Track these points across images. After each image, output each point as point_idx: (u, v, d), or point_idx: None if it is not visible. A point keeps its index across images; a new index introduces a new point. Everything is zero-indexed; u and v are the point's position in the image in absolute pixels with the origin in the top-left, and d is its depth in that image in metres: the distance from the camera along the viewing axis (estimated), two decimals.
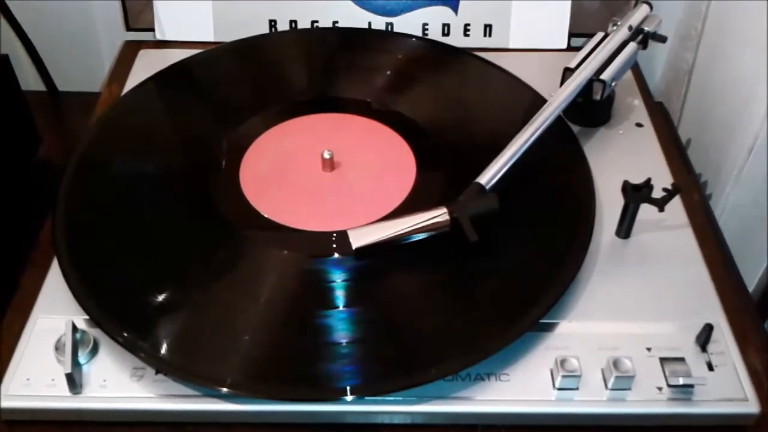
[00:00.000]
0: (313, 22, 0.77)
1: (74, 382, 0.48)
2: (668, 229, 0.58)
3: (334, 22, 0.77)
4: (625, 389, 0.48)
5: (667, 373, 0.49)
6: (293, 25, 0.77)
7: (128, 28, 0.80)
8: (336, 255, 0.55)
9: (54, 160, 0.71)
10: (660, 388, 0.49)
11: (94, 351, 0.50)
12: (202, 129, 0.65)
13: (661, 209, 0.55)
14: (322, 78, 0.71)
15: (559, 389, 0.48)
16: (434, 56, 0.73)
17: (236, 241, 0.56)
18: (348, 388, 0.47)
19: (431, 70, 0.71)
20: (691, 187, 0.63)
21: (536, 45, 0.76)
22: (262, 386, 0.48)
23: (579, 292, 0.54)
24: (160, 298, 0.52)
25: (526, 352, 0.50)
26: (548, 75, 0.67)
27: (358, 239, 0.53)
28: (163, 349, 0.49)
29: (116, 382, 0.49)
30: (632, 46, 0.66)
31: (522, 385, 0.49)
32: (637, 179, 0.56)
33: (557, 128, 0.62)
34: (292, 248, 0.55)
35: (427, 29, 0.77)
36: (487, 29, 0.77)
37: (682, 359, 0.50)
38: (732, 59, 0.69)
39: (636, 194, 0.56)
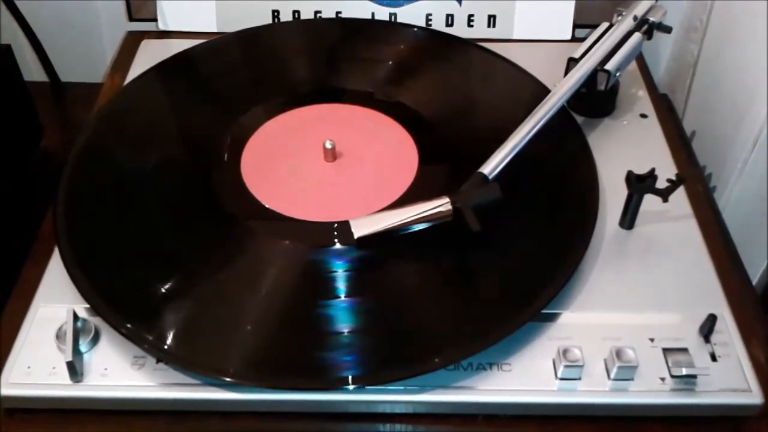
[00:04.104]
0: (316, 12, 0.77)
1: (75, 371, 0.48)
2: (672, 220, 0.58)
3: (338, 13, 0.77)
4: (628, 379, 0.48)
5: (670, 364, 0.49)
6: (296, 15, 0.77)
7: (131, 19, 0.80)
8: (338, 245, 0.54)
9: (56, 150, 0.71)
10: (663, 379, 0.48)
11: (95, 339, 0.50)
12: (205, 119, 0.65)
13: (665, 200, 0.55)
14: (324, 68, 0.71)
15: (562, 379, 0.48)
16: (438, 47, 0.72)
17: (238, 231, 0.56)
18: (350, 377, 0.47)
19: (435, 61, 0.71)
20: (695, 179, 0.63)
21: (540, 36, 0.76)
22: (264, 375, 0.48)
23: (582, 283, 0.53)
24: (162, 287, 0.52)
25: (528, 342, 0.50)
26: (552, 66, 0.67)
27: (360, 229, 0.53)
28: (165, 338, 0.49)
29: (117, 371, 0.49)
30: (637, 36, 0.66)
31: (524, 375, 0.49)
32: (641, 170, 0.56)
33: (561, 119, 0.62)
34: (294, 238, 0.55)
35: (430, 20, 0.77)
36: (491, 20, 0.76)
37: (685, 350, 0.49)
38: (737, 51, 0.69)
39: (640, 185, 0.55)
